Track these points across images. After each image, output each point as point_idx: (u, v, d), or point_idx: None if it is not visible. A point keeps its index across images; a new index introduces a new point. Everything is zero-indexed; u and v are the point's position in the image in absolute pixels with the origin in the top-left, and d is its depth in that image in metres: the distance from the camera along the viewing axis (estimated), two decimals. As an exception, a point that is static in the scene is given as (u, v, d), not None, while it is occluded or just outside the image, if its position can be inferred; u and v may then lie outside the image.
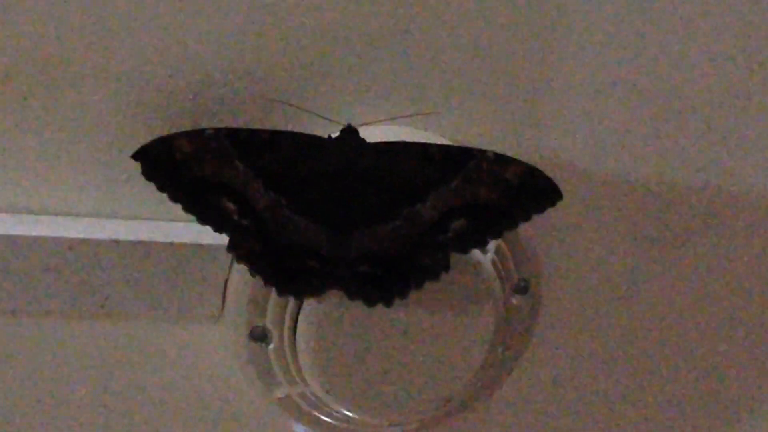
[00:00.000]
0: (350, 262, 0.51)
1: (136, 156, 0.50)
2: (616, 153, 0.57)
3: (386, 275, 0.52)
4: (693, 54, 0.55)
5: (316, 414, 0.57)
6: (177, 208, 0.50)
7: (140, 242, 0.54)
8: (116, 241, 0.54)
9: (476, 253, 0.53)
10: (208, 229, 0.51)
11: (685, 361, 0.64)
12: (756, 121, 0.57)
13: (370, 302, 0.52)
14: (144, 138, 0.50)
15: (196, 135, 0.50)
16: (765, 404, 0.66)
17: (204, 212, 0.51)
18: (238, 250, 0.51)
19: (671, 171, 0.58)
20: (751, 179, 0.59)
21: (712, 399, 0.65)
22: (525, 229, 0.52)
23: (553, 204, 0.51)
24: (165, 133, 0.51)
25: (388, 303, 0.52)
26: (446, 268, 0.51)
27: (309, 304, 0.53)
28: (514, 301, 0.57)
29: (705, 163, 0.58)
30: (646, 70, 0.55)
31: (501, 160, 0.51)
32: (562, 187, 0.51)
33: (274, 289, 0.52)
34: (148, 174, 0.50)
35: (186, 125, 0.52)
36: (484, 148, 0.51)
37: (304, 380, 0.55)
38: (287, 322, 0.54)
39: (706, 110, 0.57)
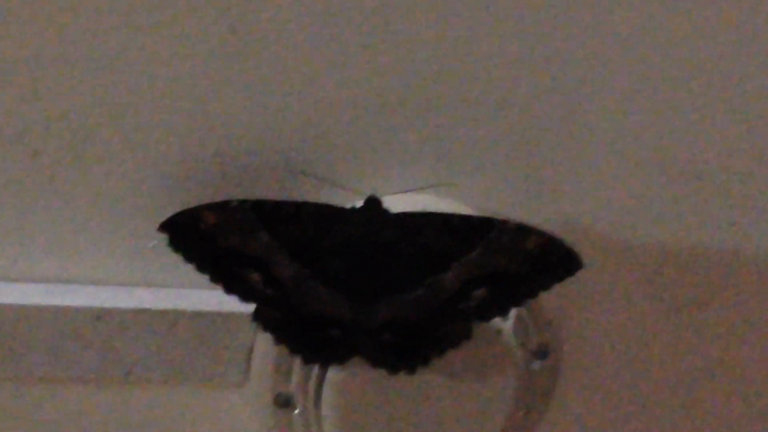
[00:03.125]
0: (373, 331, 0.52)
1: (162, 228, 0.51)
2: (634, 218, 0.58)
3: (409, 344, 0.52)
4: (710, 118, 0.56)
5: (340, 479, 0.58)
6: (203, 277, 0.51)
7: (166, 311, 0.55)
8: (142, 310, 0.55)
9: (497, 319, 0.53)
10: (234, 297, 0.52)
11: (704, 425, 0.64)
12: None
13: (393, 370, 0.52)
14: (170, 208, 0.51)
15: (221, 207, 0.51)
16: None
17: (229, 282, 0.51)
18: (263, 319, 0.52)
19: (688, 235, 0.59)
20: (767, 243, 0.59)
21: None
22: (544, 294, 0.53)
23: (572, 273, 0.51)
24: (191, 203, 0.51)
25: (411, 371, 0.52)
26: (468, 336, 0.52)
27: (333, 371, 0.53)
28: (534, 366, 0.58)
29: (722, 226, 0.58)
30: (663, 136, 0.56)
31: (522, 229, 0.51)
32: (582, 253, 0.51)
33: (298, 357, 0.53)
34: (175, 245, 0.51)
35: (212, 196, 0.52)
36: (505, 216, 0.52)
37: (327, 446, 0.55)
38: (312, 389, 0.54)
39: (722, 174, 0.57)
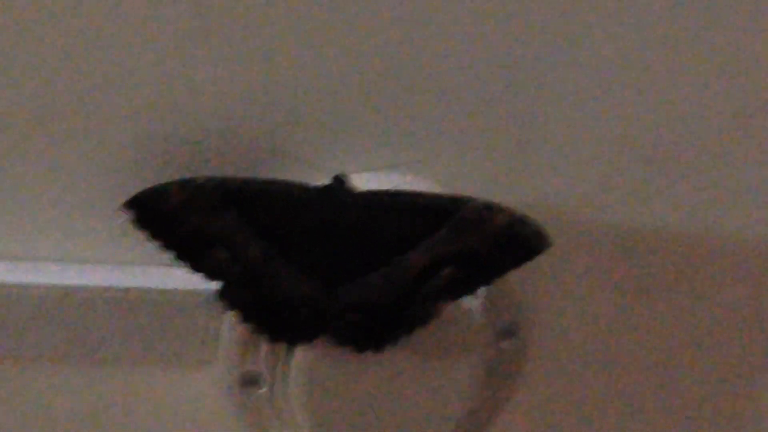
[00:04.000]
0: (340, 310, 0.52)
1: (127, 206, 0.50)
2: (604, 200, 0.58)
3: (376, 323, 0.52)
4: (680, 103, 0.56)
5: (308, 458, 0.57)
6: (169, 255, 0.51)
7: (131, 288, 0.54)
8: (108, 288, 0.54)
9: (465, 298, 0.53)
10: (200, 275, 0.51)
11: (672, 405, 0.64)
12: (742, 169, 0.58)
13: (360, 349, 0.52)
14: (134, 187, 0.51)
15: (186, 184, 0.51)
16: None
17: (195, 261, 0.51)
18: (229, 298, 0.52)
19: (659, 216, 0.58)
20: (737, 226, 0.59)
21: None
22: (513, 273, 0.52)
23: (540, 252, 0.51)
24: (157, 181, 0.51)
25: (378, 350, 0.52)
26: (435, 315, 0.52)
27: (300, 350, 0.53)
28: (502, 345, 0.57)
29: (691, 210, 0.58)
30: (634, 117, 0.56)
31: (489, 208, 0.51)
32: (551, 233, 0.51)
33: (264, 336, 0.53)
34: (139, 223, 0.50)
35: (177, 174, 0.52)
36: (473, 195, 0.52)
37: (295, 425, 0.55)
38: (279, 368, 0.54)
39: (692, 159, 0.57)
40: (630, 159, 0.57)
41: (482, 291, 0.54)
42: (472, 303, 0.54)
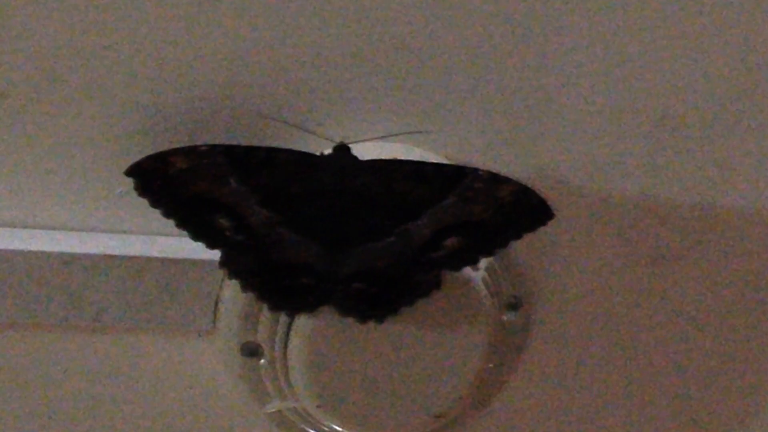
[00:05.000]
0: (343, 279, 0.52)
1: (129, 172, 0.50)
2: (609, 170, 0.57)
3: (379, 292, 0.52)
4: (686, 73, 0.56)
5: (308, 429, 0.57)
6: (171, 223, 0.50)
7: (133, 257, 0.54)
8: (110, 256, 0.54)
9: (468, 270, 0.53)
10: (201, 244, 0.51)
11: (680, 377, 0.64)
12: (750, 138, 0.58)
13: (363, 319, 0.52)
14: (138, 154, 0.50)
15: (190, 151, 0.51)
16: (763, 421, 0.66)
17: (197, 229, 0.51)
18: (230, 266, 0.51)
19: (664, 188, 0.58)
20: (744, 196, 0.59)
21: (706, 414, 0.65)
22: (517, 246, 0.52)
23: (544, 223, 0.51)
24: (159, 149, 0.51)
25: (380, 320, 0.52)
26: (437, 285, 0.52)
27: (301, 320, 0.53)
28: (505, 317, 0.57)
29: (698, 180, 0.58)
30: (639, 89, 0.56)
31: (494, 178, 0.51)
32: (555, 204, 0.51)
33: (266, 304, 0.53)
34: (142, 190, 0.50)
35: (180, 142, 0.52)
36: (477, 166, 0.52)
37: (295, 395, 0.55)
38: (279, 338, 0.54)
39: (699, 129, 0.57)
40: (637, 130, 0.57)
41: (485, 262, 0.54)
42: (475, 274, 0.54)
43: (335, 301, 0.52)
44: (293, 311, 0.53)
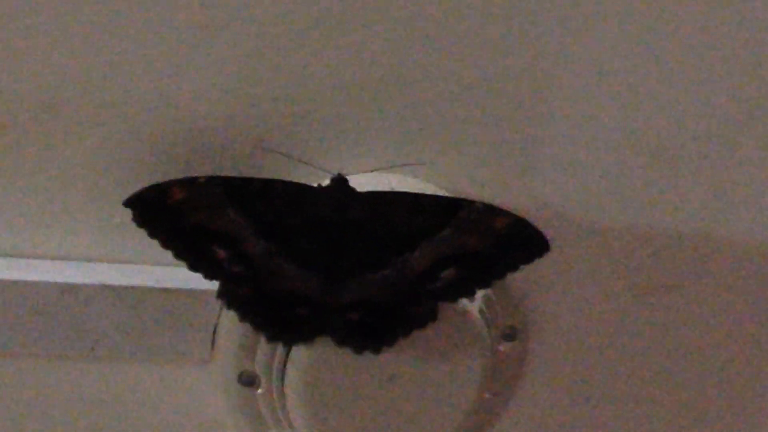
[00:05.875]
0: (340, 309, 0.52)
1: (128, 203, 0.50)
2: (606, 201, 0.58)
3: (375, 323, 0.52)
4: (684, 103, 0.56)
5: (304, 458, 0.57)
6: (168, 253, 0.51)
7: (131, 287, 0.54)
8: (107, 286, 0.54)
9: (464, 301, 0.53)
10: (199, 274, 0.51)
11: (677, 407, 0.64)
12: (746, 170, 0.58)
13: (359, 349, 0.52)
14: (137, 184, 0.50)
15: (188, 183, 0.51)
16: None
17: (195, 259, 0.51)
18: (228, 296, 0.52)
19: (660, 218, 0.58)
20: (742, 227, 0.59)
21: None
22: (513, 276, 0.52)
23: (540, 255, 0.51)
24: (157, 180, 0.51)
25: (377, 350, 0.52)
26: (434, 317, 0.52)
27: (298, 350, 0.53)
28: (501, 348, 0.58)
29: (694, 211, 0.58)
30: (637, 120, 0.56)
31: (490, 210, 0.51)
32: (552, 235, 0.51)
33: (263, 335, 0.53)
34: (140, 221, 0.50)
35: (178, 173, 0.52)
36: (474, 197, 0.52)
37: (292, 425, 0.55)
38: (276, 367, 0.54)
39: (696, 159, 0.57)
40: (633, 161, 0.57)
41: (482, 293, 0.54)
42: (472, 305, 0.54)
43: (332, 332, 0.52)
44: (290, 341, 0.53)
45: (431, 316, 0.52)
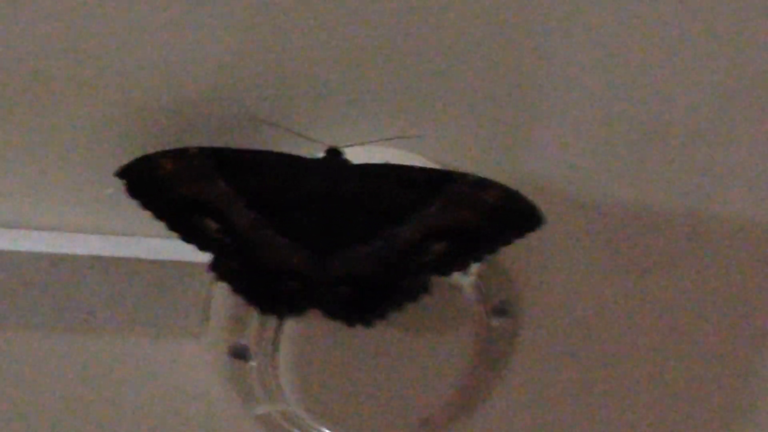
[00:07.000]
0: (330, 282, 0.52)
1: (119, 174, 0.50)
2: (598, 178, 0.57)
3: (366, 296, 0.52)
4: (675, 81, 0.56)
5: (296, 432, 0.57)
6: (160, 225, 0.51)
7: (123, 258, 0.54)
8: (99, 257, 0.54)
9: (457, 275, 0.53)
10: (191, 246, 0.51)
11: (668, 384, 0.64)
12: (736, 147, 0.58)
13: (350, 323, 0.52)
14: (128, 155, 0.50)
15: (179, 153, 0.51)
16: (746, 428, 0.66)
17: (186, 230, 0.51)
18: (219, 269, 0.51)
19: (652, 196, 0.58)
20: (732, 204, 0.59)
21: (693, 420, 0.65)
22: (506, 251, 0.52)
23: (533, 229, 0.51)
24: (149, 151, 0.51)
25: (368, 324, 0.52)
26: (425, 290, 0.52)
27: (290, 323, 0.53)
28: (493, 323, 0.57)
29: (686, 188, 0.58)
30: (628, 97, 0.56)
31: (482, 183, 0.51)
32: (545, 211, 0.51)
33: (254, 308, 0.53)
34: (132, 192, 0.50)
35: (170, 144, 0.52)
36: (466, 171, 0.52)
37: (283, 398, 0.55)
38: (268, 340, 0.54)
39: (687, 136, 0.57)
40: (627, 137, 0.57)
41: (474, 268, 0.54)
42: (464, 280, 0.54)
43: (322, 305, 0.52)
44: (281, 315, 0.53)
45: (423, 290, 0.52)
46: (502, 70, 0.54)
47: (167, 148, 0.51)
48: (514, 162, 0.56)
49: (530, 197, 0.51)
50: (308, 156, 0.52)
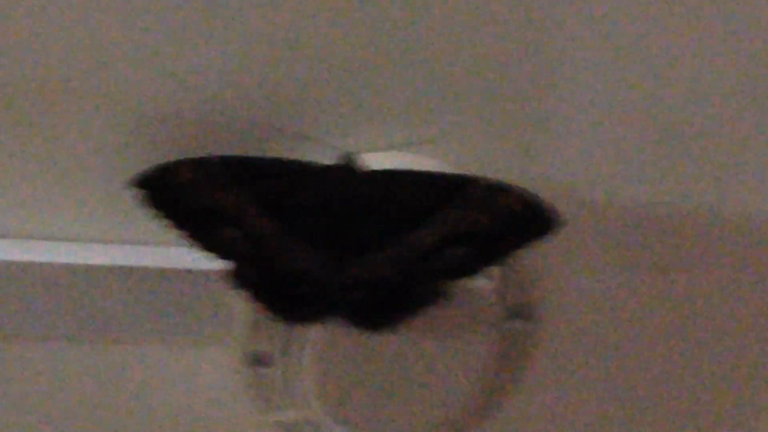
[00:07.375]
0: (347, 288, 0.52)
1: (137, 183, 0.50)
2: (614, 180, 0.57)
3: (384, 302, 0.52)
4: (689, 83, 0.55)
5: (316, 438, 0.57)
6: (178, 234, 0.51)
7: (141, 267, 0.54)
8: (117, 267, 0.54)
9: (476, 278, 0.53)
10: (210, 254, 0.51)
11: (684, 384, 0.64)
12: (751, 148, 0.57)
13: (368, 329, 0.52)
14: (146, 165, 0.50)
15: (195, 162, 0.51)
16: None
17: (205, 239, 0.51)
18: (239, 277, 0.51)
19: (668, 197, 0.58)
20: (748, 205, 0.59)
21: (709, 421, 0.65)
22: (524, 254, 0.52)
23: (552, 231, 0.51)
24: (165, 159, 0.51)
25: (386, 329, 0.52)
26: (443, 295, 0.52)
27: (308, 329, 0.53)
28: (512, 325, 0.57)
29: (702, 190, 0.58)
30: (643, 100, 0.55)
31: (499, 187, 0.51)
32: (563, 213, 0.51)
33: (272, 314, 0.53)
34: (149, 201, 0.50)
35: (188, 152, 0.52)
36: (483, 175, 0.52)
37: (302, 404, 0.55)
38: (287, 347, 0.54)
39: (703, 138, 0.57)
40: (642, 138, 0.56)
41: (492, 271, 0.54)
42: (484, 283, 0.54)
43: (340, 312, 0.52)
44: (298, 321, 0.53)
45: (441, 295, 0.52)
46: (516, 75, 0.54)
47: (185, 156, 0.51)
48: (531, 165, 0.56)
49: (547, 200, 0.51)
50: (325, 162, 0.52)
